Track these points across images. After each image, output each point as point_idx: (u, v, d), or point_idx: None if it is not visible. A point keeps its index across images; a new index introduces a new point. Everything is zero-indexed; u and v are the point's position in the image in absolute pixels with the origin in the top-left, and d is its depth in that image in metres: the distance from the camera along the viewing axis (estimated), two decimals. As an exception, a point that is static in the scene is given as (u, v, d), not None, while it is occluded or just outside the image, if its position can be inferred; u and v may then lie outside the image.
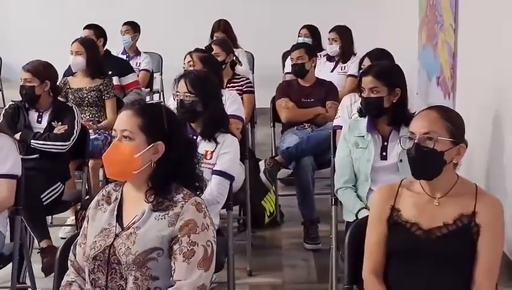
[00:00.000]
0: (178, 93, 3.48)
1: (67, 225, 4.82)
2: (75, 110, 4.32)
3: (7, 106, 4.35)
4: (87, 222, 2.40)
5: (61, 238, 4.61)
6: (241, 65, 5.86)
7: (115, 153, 2.31)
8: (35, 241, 3.93)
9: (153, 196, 2.29)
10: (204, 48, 5.00)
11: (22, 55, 7.73)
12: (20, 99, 4.37)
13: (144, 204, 2.29)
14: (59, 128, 4.21)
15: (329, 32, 6.21)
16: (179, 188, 2.30)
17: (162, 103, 2.49)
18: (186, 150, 2.36)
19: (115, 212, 2.33)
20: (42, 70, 4.28)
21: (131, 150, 2.27)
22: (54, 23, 8.41)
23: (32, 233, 3.86)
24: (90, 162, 4.52)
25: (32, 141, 4.14)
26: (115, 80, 5.66)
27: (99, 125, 4.98)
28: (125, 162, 2.28)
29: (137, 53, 6.82)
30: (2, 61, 8.07)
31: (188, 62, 4.52)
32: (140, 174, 2.29)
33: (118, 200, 2.36)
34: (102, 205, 2.39)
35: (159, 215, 2.26)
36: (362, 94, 3.51)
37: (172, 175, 2.31)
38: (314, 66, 5.26)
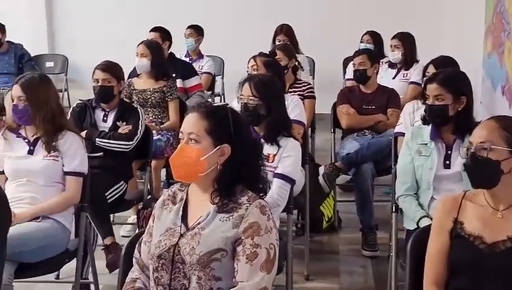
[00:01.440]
0: (242, 97, 3.52)
1: (129, 224, 4.91)
2: (139, 111, 4.40)
3: (74, 105, 4.46)
4: (153, 221, 2.45)
5: (122, 236, 4.71)
6: (303, 70, 5.87)
7: (181, 155, 2.35)
8: (99, 238, 4.02)
9: (218, 198, 2.32)
10: (267, 53, 5.03)
11: (87, 56, 8.00)
12: (87, 98, 4.48)
13: (209, 205, 2.33)
14: (124, 128, 4.30)
15: (392, 38, 6.17)
16: (243, 191, 2.33)
17: (228, 105, 2.50)
18: (251, 152, 2.39)
19: (180, 213, 2.37)
20: (117, 70, 4.39)
21: (198, 153, 2.30)
22: (119, 25, 8.56)
23: (96, 230, 3.95)
24: (153, 163, 4.61)
25: (97, 139, 4.24)
26: (179, 83, 5.74)
27: (162, 126, 5.06)
28: (191, 164, 2.32)
29: (200, 56, 6.90)
30: (68, 61, 8.27)
31: (252, 66, 4.56)
32: (206, 176, 2.33)
33: (184, 200, 2.40)
34: (168, 204, 2.43)
35: (223, 217, 2.29)
36: (426, 101, 3.48)
37: (238, 177, 2.34)
38: (377, 73, 5.24)
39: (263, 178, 2.44)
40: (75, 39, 8.62)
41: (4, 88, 6.59)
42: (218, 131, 2.33)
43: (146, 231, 2.47)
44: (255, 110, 3.47)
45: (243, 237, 2.24)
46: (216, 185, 2.34)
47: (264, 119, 3.49)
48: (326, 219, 4.85)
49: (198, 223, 2.31)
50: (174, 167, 2.39)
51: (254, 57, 4.63)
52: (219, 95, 7.54)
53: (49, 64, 7.62)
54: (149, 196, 4.41)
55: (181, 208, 2.38)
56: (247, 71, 4.54)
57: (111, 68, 4.39)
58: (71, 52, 8.40)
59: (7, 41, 7.26)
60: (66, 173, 3.46)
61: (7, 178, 3.48)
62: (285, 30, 6.92)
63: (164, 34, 6.27)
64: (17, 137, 3.52)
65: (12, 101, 3.48)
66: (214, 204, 2.32)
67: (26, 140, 3.49)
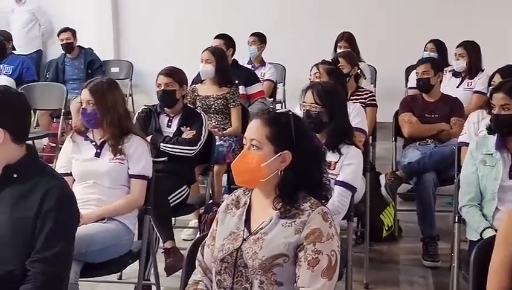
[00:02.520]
0: (305, 104, 3.54)
1: (190, 227, 4.98)
2: (203, 116, 4.46)
3: (140, 110, 4.55)
4: (216, 224, 2.49)
5: (183, 240, 4.78)
6: (365, 78, 5.85)
7: (243, 161, 2.39)
8: (160, 240, 4.09)
9: (280, 204, 2.34)
10: (330, 60, 5.03)
11: (152, 62, 8.14)
12: (151, 104, 4.57)
13: (271, 211, 2.35)
14: (187, 133, 4.37)
15: (457, 47, 6.09)
16: (306, 197, 2.35)
17: (291, 112, 2.52)
18: (313, 159, 2.40)
19: (243, 217, 2.41)
20: (180, 75, 4.48)
21: (259, 159, 2.33)
22: (184, 32, 8.68)
23: (158, 233, 4.02)
24: (215, 168, 4.67)
25: (161, 144, 4.31)
26: (241, 89, 5.80)
27: (224, 132, 5.12)
28: (252, 170, 2.35)
29: (263, 64, 6.96)
30: (133, 67, 8.43)
31: (315, 74, 4.57)
32: (267, 182, 2.35)
33: (247, 205, 2.43)
34: (232, 209, 2.47)
35: (286, 223, 2.31)
36: (492, 111, 3.43)
37: (300, 184, 2.35)
38: (440, 82, 5.18)
39: (325, 185, 2.45)
40: (140, 46, 8.79)
41: (72, 94, 6.76)
42: (280, 138, 2.35)
43: (209, 234, 2.51)
44: (317, 118, 3.48)
45: (304, 243, 2.26)
46: (278, 191, 2.36)
47: (326, 127, 3.49)
48: (386, 228, 4.82)
49: (261, 228, 2.34)
50: (236, 173, 2.43)
51: (317, 65, 4.63)
52: (280, 102, 7.58)
53: (115, 69, 7.79)
54: (210, 201, 4.47)
55: (244, 213, 2.42)
56: (310, 79, 4.56)
57: (173, 73, 4.47)
58: (136, 58, 8.57)
59: (77, 46, 7.46)
60: (131, 176, 3.54)
61: (74, 180, 3.58)
62: (346, 37, 6.91)
63: (228, 41, 6.35)
64: (84, 140, 3.62)
65: (81, 105, 3.58)
66: (276, 210, 2.34)
67: (94, 143, 3.59)
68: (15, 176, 2.58)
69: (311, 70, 4.66)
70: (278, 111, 2.50)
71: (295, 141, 2.35)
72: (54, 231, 2.51)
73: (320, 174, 2.42)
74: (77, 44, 7.46)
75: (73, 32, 7.41)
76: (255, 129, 2.38)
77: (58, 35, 7.43)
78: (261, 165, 2.33)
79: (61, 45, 7.38)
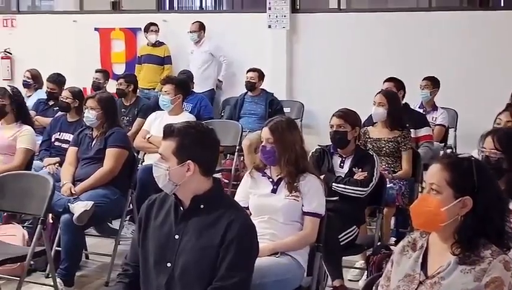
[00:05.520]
0: (484, 150, 3.47)
1: (356, 268, 4.98)
2: (375, 158, 4.50)
3: (313, 150, 4.66)
4: (391, 265, 2.51)
5: (349, 280, 4.79)
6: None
7: (422, 205, 2.40)
8: (329, 278, 4.13)
9: (459, 249, 2.32)
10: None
11: (322, 104, 8.33)
12: (321, 143, 4.68)
13: (449, 256, 2.34)
14: (359, 175, 4.41)
15: None
16: (486, 244, 2.31)
17: (473, 157, 2.50)
18: (495, 206, 2.36)
19: (420, 260, 2.41)
20: (353, 117, 4.56)
21: (438, 204, 2.33)
22: (353, 75, 8.78)
23: (327, 270, 4.07)
24: (385, 210, 4.67)
25: (333, 184, 4.39)
26: (412, 133, 5.75)
27: (394, 175, 5.11)
28: (431, 214, 2.35)
29: (434, 108, 6.89)
30: (304, 108, 8.64)
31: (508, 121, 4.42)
32: (446, 227, 2.35)
33: (424, 248, 2.43)
34: (408, 251, 2.48)
35: (465, 269, 2.29)
36: None
37: (480, 230, 2.33)
38: None
39: (507, 233, 2.40)
40: (312, 87, 8.98)
41: (244, 129, 7.04)
42: (460, 183, 2.34)
43: (384, 274, 2.53)
44: (497, 164, 3.39)
45: (487, 291, 2.23)
46: (457, 236, 2.34)
47: (506, 174, 3.40)
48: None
49: (438, 273, 2.33)
50: (414, 215, 2.44)
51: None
52: (451, 148, 7.43)
53: (286, 109, 8.00)
54: (379, 243, 4.46)
55: (421, 256, 2.42)
56: (496, 124, 4.41)
57: (346, 115, 4.56)
58: (307, 100, 8.77)
59: (260, 88, 7.79)
60: (304, 213, 3.63)
61: (250, 213, 3.73)
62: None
63: (398, 84, 6.35)
64: (262, 176, 3.77)
65: (261, 142, 3.75)
66: (454, 255, 2.33)
67: (271, 179, 3.73)
68: (202, 206, 2.76)
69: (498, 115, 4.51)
70: (459, 156, 2.48)
71: (477, 187, 2.33)
72: (235, 261, 2.65)
73: (502, 222, 2.38)
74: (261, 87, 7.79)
75: (260, 73, 7.74)
76: (435, 173, 2.38)
77: (247, 73, 7.78)
78: (440, 210, 2.33)
79: (246, 82, 7.73)
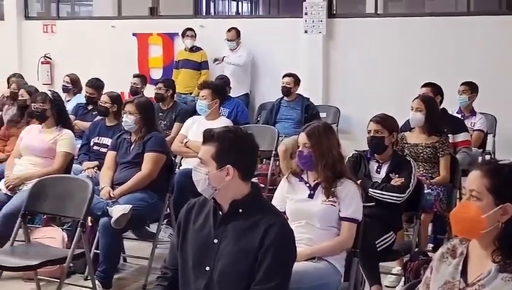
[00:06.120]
0: (524, 156, 3.44)
1: (393, 274, 4.95)
2: (412, 164, 4.47)
3: (350, 155, 4.65)
4: (431, 272, 2.49)
5: (386, 286, 4.76)
6: None
7: (462, 211, 2.39)
8: (366, 284, 4.12)
9: (500, 257, 2.30)
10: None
11: (358, 109, 8.31)
12: (357, 148, 4.67)
13: (490, 263, 2.32)
14: (396, 180, 4.39)
15: None
16: (528, 251, 2.29)
17: (512, 163, 2.47)
18: (538, 214, 2.34)
19: (460, 267, 2.39)
20: (390, 123, 4.54)
21: (478, 210, 2.32)
22: (390, 80, 8.73)
23: (364, 276, 4.06)
24: (422, 216, 4.63)
25: (370, 189, 4.37)
26: (450, 138, 5.71)
27: (432, 181, 5.07)
28: (471, 221, 2.33)
29: (473, 113, 6.82)
30: (340, 113, 8.62)
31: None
32: (487, 234, 2.32)
33: (464, 255, 2.42)
34: (447, 258, 2.46)
35: (506, 277, 2.27)
36: None
37: (523, 238, 2.31)
38: None
39: (549, 241, 2.37)
40: (348, 92, 8.96)
41: (280, 133, 7.06)
42: (501, 189, 2.32)
43: (423, 281, 2.52)
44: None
45: (525, 299, 2.20)
46: (497, 243, 2.32)
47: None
48: None
49: (479, 280, 2.31)
50: (454, 222, 2.43)
51: None
52: (489, 153, 7.34)
53: (322, 114, 7.97)
54: (416, 249, 4.43)
55: (461, 263, 2.40)
56: None
57: (384, 120, 4.55)
58: (343, 104, 8.75)
59: (296, 93, 7.75)
60: (341, 218, 3.63)
61: (287, 218, 3.73)
62: None
63: (436, 88, 6.30)
64: (299, 181, 3.77)
65: (298, 147, 3.75)
66: (495, 263, 2.30)
67: (308, 184, 3.73)
68: (240, 210, 2.78)
69: None
70: (499, 162, 2.46)
71: (517, 193, 2.31)
72: (273, 265, 2.67)
73: (544, 230, 2.35)
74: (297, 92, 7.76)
75: (295, 78, 7.71)
76: (475, 180, 2.37)
77: (283, 78, 7.78)
78: (480, 217, 2.31)
79: (282, 87, 7.72)
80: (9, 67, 9.91)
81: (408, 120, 5.55)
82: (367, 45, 8.93)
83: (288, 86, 7.67)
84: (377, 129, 4.50)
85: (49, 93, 5.62)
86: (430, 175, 5.15)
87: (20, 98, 6.45)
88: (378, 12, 9.36)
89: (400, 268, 4.75)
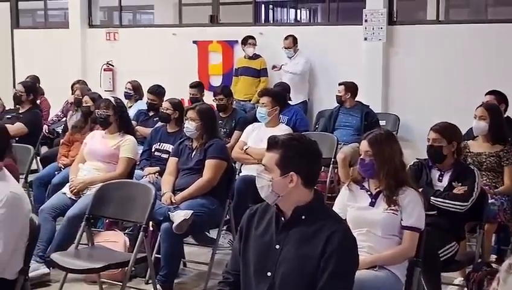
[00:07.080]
0: None
1: (455, 285, 4.88)
2: (476, 173, 4.39)
3: (411, 163, 4.60)
4: (497, 284, 2.44)
5: (447, 296, 4.70)
6: None
7: None
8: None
9: None
10: None
11: (418, 117, 8.20)
12: (417, 156, 4.62)
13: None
14: (459, 189, 4.32)
15: None
16: None
17: None
18: None
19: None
20: (449, 132, 4.46)
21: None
22: (453, 89, 8.59)
23: (425, 286, 4.01)
24: (485, 226, 4.55)
25: (432, 198, 4.32)
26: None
27: (496, 190, 4.98)
28: None
29: (538, 121, 6.65)
30: (399, 121, 8.54)
31: None
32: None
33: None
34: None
35: None
36: None
37: None
38: None
39: None
40: (407, 100, 8.86)
41: (340, 142, 7.03)
42: None
43: (491, 293, 2.47)
44: None
45: None
46: None
47: None
48: None
49: (548, 292, 2.26)
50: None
51: None
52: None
53: (382, 122, 7.88)
54: (480, 260, 4.35)
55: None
56: None
57: (443, 129, 4.48)
58: (403, 112, 8.65)
59: (356, 101, 7.70)
60: (403, 227, 3.59)
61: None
62: None
63: (500, 96, 6.20)
64: (360, 189, 3.76)
65: (360, 155, 3.74)
66: None
67: (369, 192, 3.71)
68: (303, 217, 2.79)
69: None
70: None
71: None
72: (335, 272, 2.66)
73: None
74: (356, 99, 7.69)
75: (347, 86, 7.60)
76: None
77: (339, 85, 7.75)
78: None
79: (336, 96, 7.68)
80: (74, 74, 10.17)
81: (470, 128, 5.47)
82: (428, 53, 8.81)
83: (339, 94, 7.61)
84: (435, 138, 4.44)
85: (112, 99, 5.74)
86: (493, 185, 5.06)
87: (84, 104, 6.60)
88: (440, 20, 9.24)
89: (462, 279, 4.68)
